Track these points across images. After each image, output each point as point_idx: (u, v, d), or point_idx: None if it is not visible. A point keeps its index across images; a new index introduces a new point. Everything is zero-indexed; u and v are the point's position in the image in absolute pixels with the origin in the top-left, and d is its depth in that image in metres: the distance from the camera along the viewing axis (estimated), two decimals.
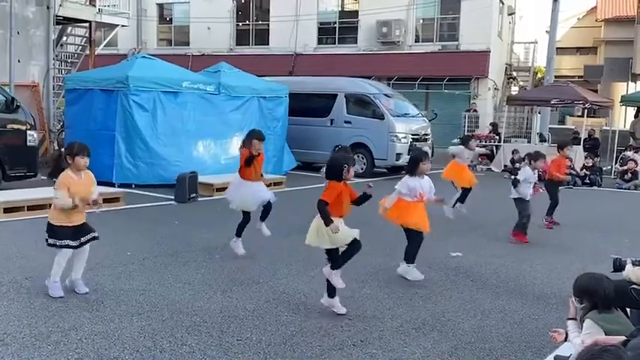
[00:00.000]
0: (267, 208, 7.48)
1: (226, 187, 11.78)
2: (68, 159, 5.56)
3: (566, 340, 3.81)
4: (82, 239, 5.63)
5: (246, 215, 7.45)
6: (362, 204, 5.60)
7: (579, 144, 18.14)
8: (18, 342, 4.57)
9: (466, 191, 10.33)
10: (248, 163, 7.23)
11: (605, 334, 3.55)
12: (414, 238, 6.57)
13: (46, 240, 5.62)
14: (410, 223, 6.50)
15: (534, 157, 8.89)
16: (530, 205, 8.70)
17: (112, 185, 11.65)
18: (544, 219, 9.93)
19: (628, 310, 4.23)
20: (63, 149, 5.75)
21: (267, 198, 7.42)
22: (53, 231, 5.57)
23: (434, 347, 4.81)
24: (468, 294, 6.23)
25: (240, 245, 7.36)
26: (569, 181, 14.36)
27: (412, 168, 6.60)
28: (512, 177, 9.53)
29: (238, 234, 7.41)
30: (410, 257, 6.57)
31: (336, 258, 5.42)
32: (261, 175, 7.57)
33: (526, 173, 8.67)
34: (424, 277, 6.56)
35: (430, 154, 16.01)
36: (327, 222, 5.22)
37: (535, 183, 8.93)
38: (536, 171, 8.83)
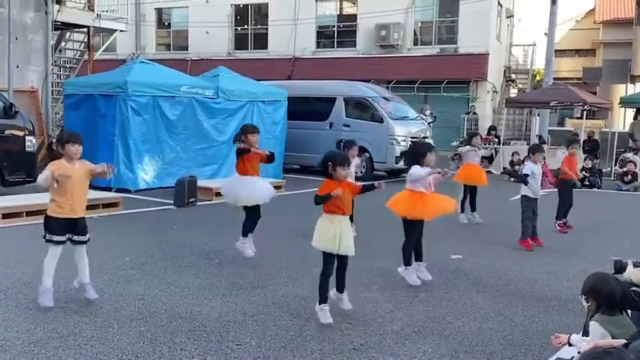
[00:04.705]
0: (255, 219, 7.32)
1: None
2: (59, 148, 5.44)
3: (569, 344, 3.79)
4: (68, 236, 5.43)
5: (249, 211, 7.34)
6: (364, 193, 5.54)
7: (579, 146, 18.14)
8: (16, 348, 4.55)
9: (473, 194, 10.24)
10: (239, 153, 7.25)
11: (612, 338, 3.53)
12: (414, 234, 6.50)
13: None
14: (431, 214, 6.46)
15: (533, 149, 8.81)
16: (536, 205, 8.50)
17: (110, 190, 11.63)
18: (555, 223, 9.78)
19: (629, 311, 4.22)
20: (54, 140, 5.62)
21: (260, 198, 7.29)
22: (44, 223, 5.47)
23: (434, 351, 4.79)
24: (469, 297, 6.20)
25: (249, 246, 7.27)
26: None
27: (420, 159, 6.43)
28: (514, 178, 9.41)
29: (244, 234, 7.30)
30: (406, 258, 6.52)
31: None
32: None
33: (531, 167, 8.45)
34: (421, 281, 6.57)
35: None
36: (323, 197, 5.07)
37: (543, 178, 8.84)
38: (539, 165, 8.61)
